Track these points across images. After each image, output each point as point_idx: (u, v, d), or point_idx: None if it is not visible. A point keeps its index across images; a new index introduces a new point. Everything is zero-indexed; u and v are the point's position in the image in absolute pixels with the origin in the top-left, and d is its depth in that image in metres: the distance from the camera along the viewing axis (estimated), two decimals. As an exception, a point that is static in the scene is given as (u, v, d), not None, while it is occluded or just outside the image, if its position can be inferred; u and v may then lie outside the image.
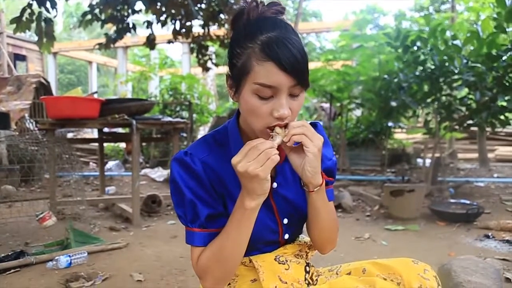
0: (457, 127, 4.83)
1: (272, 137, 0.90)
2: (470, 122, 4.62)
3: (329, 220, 1.05)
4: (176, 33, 5.27)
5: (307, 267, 1.07)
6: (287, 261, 1.04)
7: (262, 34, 0.88)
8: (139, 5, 4.89)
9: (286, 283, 1.00)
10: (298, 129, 0.89)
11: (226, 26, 5.29)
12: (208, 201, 0.97)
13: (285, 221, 1.04)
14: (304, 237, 1.15)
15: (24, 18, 3.94)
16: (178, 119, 4.35)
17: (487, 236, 3.22)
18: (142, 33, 11.99)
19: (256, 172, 0.83)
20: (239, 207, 0.91)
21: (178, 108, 8.96)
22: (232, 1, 4.85)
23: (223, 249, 0.93)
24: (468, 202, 4.12)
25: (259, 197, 0.88)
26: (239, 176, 0.87)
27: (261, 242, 1.03)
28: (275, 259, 1.03)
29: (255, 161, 0.84)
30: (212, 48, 6.55)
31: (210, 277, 0.96)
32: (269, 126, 0.91)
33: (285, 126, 0.91)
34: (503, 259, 2.60)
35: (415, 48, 4.47)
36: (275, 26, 0.90)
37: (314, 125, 1.13)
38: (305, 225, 1.13)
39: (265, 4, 0.95)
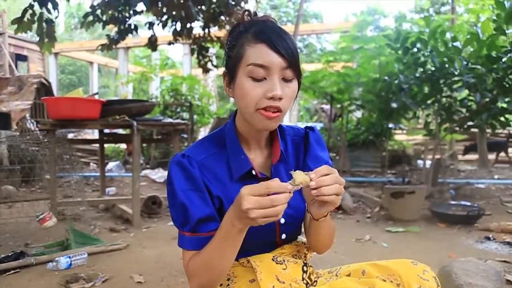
0: (457, 128, 4.82)
1: (291, 182, 0.84)
2: (471, 123, 4.62)
3: (328, 232, 1.07)
4: (176, 34, 5.28)
5: (305, 267, 1.07)
6: (284, 261, 1.04)
7: (255, 26, 0.95)
8: (141, 6, 4.90)
9: (283, 283, 1.00)
10: (332, 188, 0.85)
11: (227, 27, 5.30)
12: (200, 206, 0.98)
13: (282, 221, 1.05)
14: (302, 238, 1.15)
15: (25, 19, 3.94)
16: (179, 120, 4.36)
17: (488, 238, 3.22)
18: (144, 34, 12.02)
19: (255, 220, 0.81)
20: (227, 223, 0.89)
21: (178, 109, 8.96)
22: (233, 3, 4.85)
23: (209, 260, 0.94)
24: (468, 203, 4.12)
25: (246, 225, 0.87)
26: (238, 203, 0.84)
27: (259, 242, 1.04)
28: (272, 259, 1.03)
29: (262, 211, 0.80)
30: (213, 49, 6.55)
31: (196, 282, 0.98)
32: (260, 108, 0.92)
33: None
34: (504, 261, 2.60)
35: (415, 49, 4.47)
36: (266, 22, 0.97)
37: (311, 128, 1.14)
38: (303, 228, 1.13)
39: (257, 15, 1.03)
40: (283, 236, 1.07)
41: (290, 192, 0.82)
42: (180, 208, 0.98)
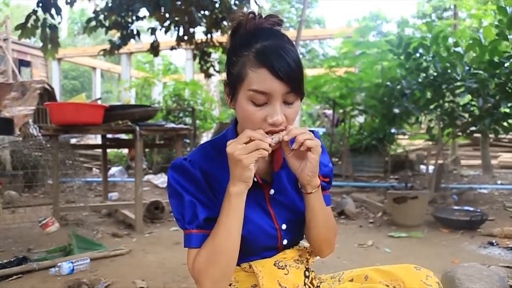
0: (460, 133, 4.82)
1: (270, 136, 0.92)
2: (473, 128, 4.61)
3: (326, 221, 1.06)
4: (179, 39, 5.30)
5: (307, 272, 1.07)
6: (286, 266, 1.04)
7: (257, 43, 0.91)
8: (143, 12, 4.93)
9: None
10: (299, 130, 0.93)
11: (229, 33, 5.33)
12: (207, 203, 0.99)
13: (284, 226, 1.05)
14: (304, 243, 1.15)
15: (29, 25, 3.97)
16: (181, 126, 4.37)
17: (491, 243, 3.21)
18: (146, 39, 12.05)
19: (240, 158, 0.86)
20: (226, 195, 0.93)
21: (181, 114, 8.98)
22: (235, 8, 4.88)
23: (216, 244, 0.93)
24: (471, 209, 4.10)
25: (240, 183, 0.90)
26: (228, 157, 0.89)
27: (260, 247, 1.04)
28: (274, 264, 1.03)
29: (243, 147, 0.87)
30: (216, 54, 6.57)
31: (206, 278, 0.93)
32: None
33: (285, 128, 0.94)
34: (508, 267, 2.58)
35: (418, 55, 4.48)
36: (270, 35, 0.93)
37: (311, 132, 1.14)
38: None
39: (263, 16, 0.98)
40: (285, 241, 1.06)
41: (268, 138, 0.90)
42: (188, 206, 0.98)
